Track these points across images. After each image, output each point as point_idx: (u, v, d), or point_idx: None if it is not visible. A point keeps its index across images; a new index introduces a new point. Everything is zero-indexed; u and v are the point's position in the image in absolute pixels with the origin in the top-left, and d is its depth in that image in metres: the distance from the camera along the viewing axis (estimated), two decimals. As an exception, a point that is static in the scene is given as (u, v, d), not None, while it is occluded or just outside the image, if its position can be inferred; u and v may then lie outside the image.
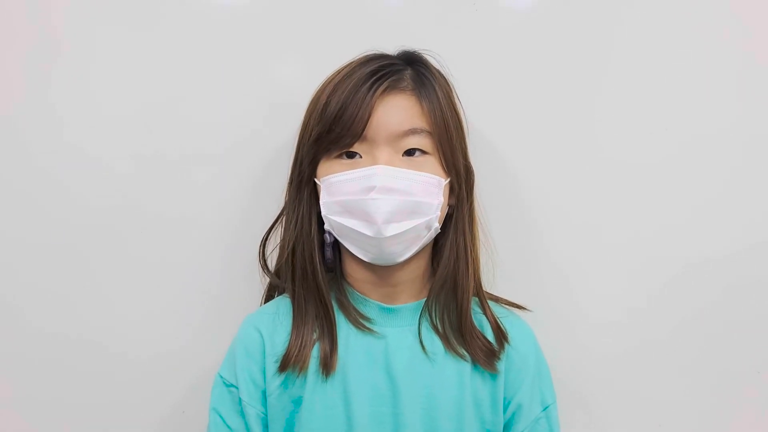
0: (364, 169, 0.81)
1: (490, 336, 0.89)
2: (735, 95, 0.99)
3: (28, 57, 0.99)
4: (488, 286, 0.96)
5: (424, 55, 0.89)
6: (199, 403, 0.95)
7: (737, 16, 0.99)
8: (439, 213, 0.83)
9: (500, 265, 0.97)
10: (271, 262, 0.95)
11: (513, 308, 0.95)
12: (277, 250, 0.93)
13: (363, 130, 0.81)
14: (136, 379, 1.02)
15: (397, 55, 0.88)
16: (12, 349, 1.02)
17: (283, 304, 0.91)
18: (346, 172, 0.82)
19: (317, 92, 0.86)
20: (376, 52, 0.87)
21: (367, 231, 0.81)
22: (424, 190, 0.82)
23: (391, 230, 0.80)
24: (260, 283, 0.97)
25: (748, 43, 0.99)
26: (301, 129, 0.88)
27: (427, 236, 0.85)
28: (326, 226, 0.86)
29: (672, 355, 1.02)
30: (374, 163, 0.81)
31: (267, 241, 0.95)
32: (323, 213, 0.85)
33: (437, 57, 0.90)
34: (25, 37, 0.99)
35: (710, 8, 0.99)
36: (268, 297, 0.96)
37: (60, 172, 1.00)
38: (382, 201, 0.79)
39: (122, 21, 0.99)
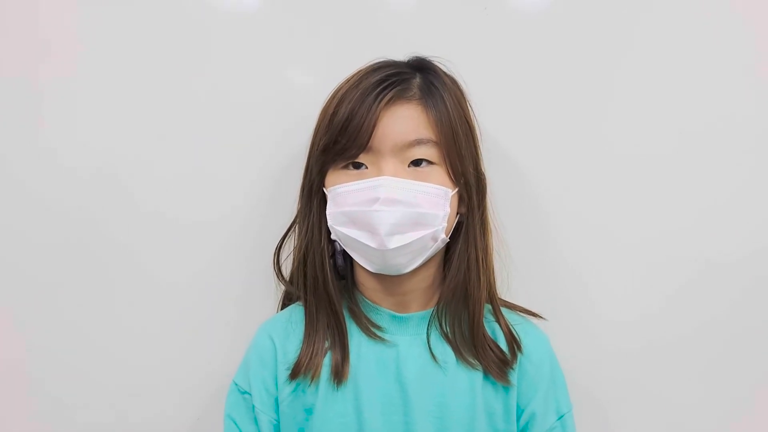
0: (368, 180, 0.80)
1: (503, 344, 0.88)
2: (753, 94, 0.98)
3: (38, 59, 1.01)
4: (503, 291, 0.95)
5: (434, 62, 0.88)
6: (215, 410, 0.97)
7: (753, 14, 0.97)
8: (445, 224, 0.82)
9: (515, 270, 0.97)
10: (286, 270, 0.96)
11: (528, 316, 0.94)
12: (292, 257, 0.94)
13: (368, 141, 0.80)
14: (152, 386, 1.03)
15: (407, 62, 0.87)
16: (29, 351, 1.04)
17: (296, 311, 0.92)
18: (351, 182, 0.82)
19: (327, 101, 0.86)
20: (385, 60, 0.87)
21: (371, 242, 0.80)
22: (430, 201, 0.81)
23: (395, 242, 0.80)
24: (276, 290, 0.98)
25: (764, 40, 0.97)
26: (312, 138, 0.88)
27: (434, 247, 0.84)
28: (333, 236, 0.86)
29: (690, 360, 1.00)
30: (380, 174, 0.80)
31: (281, 249, 0.95)
32: (329, 223, 0.85)
33: (448, 63, 0.88)
34: (35, 42, 1.01)
35: (724, 8, 0.97)
36: (284, 304, 0.97)
37: (72, 180, 1.01)
38: (385, 213, 0.79)
39: (135, 28, 1.00)
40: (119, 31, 1.00)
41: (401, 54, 0.88)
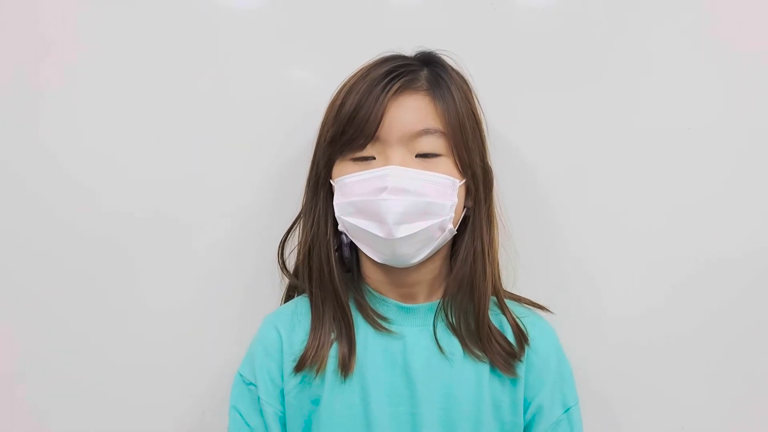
0: (376, 169, 0.81)
1: (510, 337, 0.88)
2: (759, 92, 0.98)
3: (38, 58, 1.01)
4: (508, 285, 0.95)
5: (441, 56, 0.88)
6: (220, 403, 0.96)
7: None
8: (453, 214, 0.83)
9: (521, 264, 0.97)
10: (290, 263, 0.96)
11: (535, 308, 0.94)
12: (296, 250, 0.94)
13: (375, 131, 0.81)
14: (157, 379, 1.03)
15: (414, 56, 0.88)
16: (39, 347, 1.04)
17: (302, 303, 0.92)
18: (359, 173, 0.82)
19: (335, 94, 0.87)
20: (393, 53, 0.87)
21: (379, 232, 0.80)
22: (437, 191, 0.81)
23: (403, 231, 0.80)
24: (280, 283, 0.98)
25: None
26: (319, 131, 0.88)
27: (441, 238, 0.84)
28: (340, 227, 0.86)
29: (695, 355, 1.00)
30: (387, 163, 0.81)
31: (286, 242, 0.96)
32: (336, 214, 0.85)
33: (455, 57, 0.89)
34: (35, 41, 1.01)
35: (731, 7, 0.98)
36: (288, 297, 0.97)
37: (77, 178, 1.01)
38: (393, 202, 0.79)
39: (137, 27, 1.00)
40: (121, 31, 1.00)
41: (408, 50, 0.89)
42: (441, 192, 0.81)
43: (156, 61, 1.00)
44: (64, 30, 1.01)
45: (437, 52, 0.88)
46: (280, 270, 0.96)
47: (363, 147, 0.82)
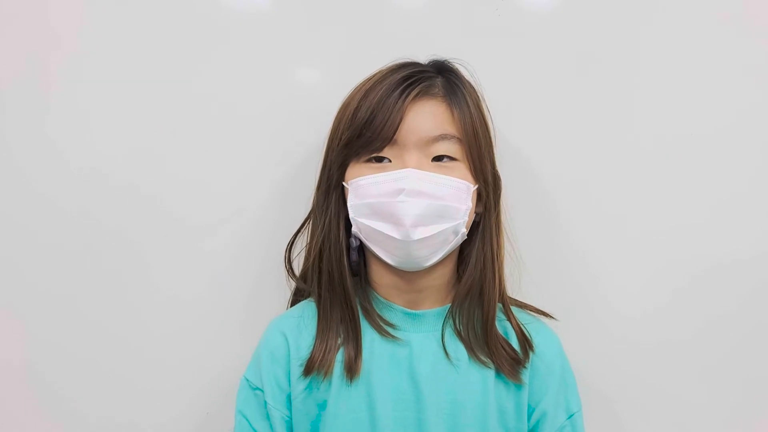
0: (393, 172, 0.81)
1: (514, 343, 0.89)
2: (763, 94, 0.99)
3: (47, 56, 1.01)
4: (513, 291, 0.96)
5: (454, 65, 0.90)
6: (224, 405, 0.96)
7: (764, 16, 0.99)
8: (467, 218, 0.84)
9: (526, 271, 0.97)
10: (297, 267, 0.95)
11: (539, 315, 0.95)
12: (303, 254, 0.94)
13: (394, 134, 0.81)
14: (162, 381, 1.03)
15: (428, 63, 0.89)
16: (39, 350, 1.03)
17: (308, 308, 0.91)
18: (375, 174, 0.82)
19: (347, 99, 0.87)
20: (407, 60, 0.88)
21: (395, 234, 0.81)
22: (453, 195, 0.82)
23: (419, 233, 0.80)
24: (286, 287, 0.98)
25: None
26: (330, 134, 0.88)
27: (454, 242, 0.85)
28: (353, 230, 0.86)
29: (699, 359, 1.01)
30: (403, 166, 0.81)
31: (293, 246, 0.96)
32: (351, 215, 0.85)
33: (467, 66, 0.90)
34: (44, 38, 1.01)
35: (735, 10, 0.99)
36: (294, 301, 0.97)
37: (84, 178, 1.01)
38: (410, 204, 0.80)
39: (145, 28, 1.00)
40: (128, 33, 1.01)
41: (413, 55, 0.89)
42: (456, 196, 0.82)
43: (164, 63, 1.00)
44: (73, 30, 1.01)
45: (449, 60, 0.90)
46: (286, 273, 0.96)
47: (380, 150, 0.83)
